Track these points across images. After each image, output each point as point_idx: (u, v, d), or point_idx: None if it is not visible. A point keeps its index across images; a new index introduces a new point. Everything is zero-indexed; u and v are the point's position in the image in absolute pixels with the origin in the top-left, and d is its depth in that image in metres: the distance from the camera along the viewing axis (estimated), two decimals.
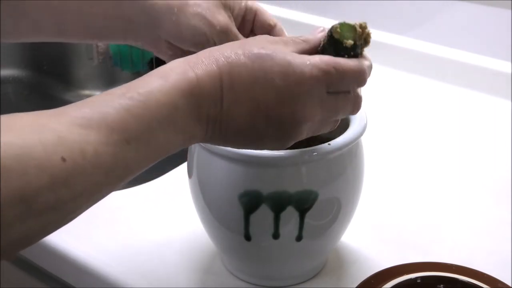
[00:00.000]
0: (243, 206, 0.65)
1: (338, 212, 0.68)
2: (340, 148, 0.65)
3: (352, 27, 0.58)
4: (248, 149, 0.61)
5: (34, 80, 1.35)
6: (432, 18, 1.19)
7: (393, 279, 0.70)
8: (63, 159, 0.45)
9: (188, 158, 0.71)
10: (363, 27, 0.59)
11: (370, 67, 0.62)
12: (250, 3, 0.71)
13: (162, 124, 0.50)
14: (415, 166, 0.94)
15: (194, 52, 0.56)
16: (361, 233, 0.79)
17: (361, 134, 0.67)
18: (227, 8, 0.68)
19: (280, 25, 0.72)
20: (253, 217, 0.65)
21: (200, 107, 0.52)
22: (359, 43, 0.59)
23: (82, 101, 0.50)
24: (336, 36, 0.58)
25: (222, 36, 0.65)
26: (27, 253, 0.84)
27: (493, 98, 1.09)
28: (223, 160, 0.65)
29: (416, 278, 0.70)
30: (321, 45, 0.59)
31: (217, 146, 0.64)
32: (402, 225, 0.82)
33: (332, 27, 0.58)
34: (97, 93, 1.07)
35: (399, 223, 0.83)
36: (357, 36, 0.59)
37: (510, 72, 1.09)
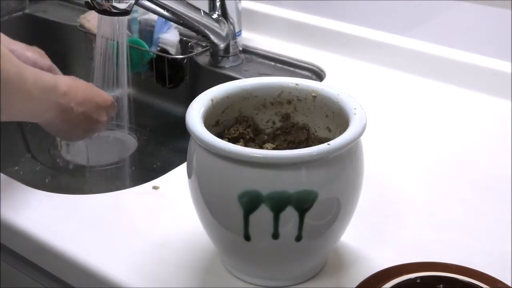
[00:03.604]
0: (243, 206, 0.65)
1: (337, 212, 0.68)
2: (339, 148, 0.65)
3: None
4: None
5: None
6: (432, 18, 1.19)
7: (392, 279, 0.70)
8: None
9: (187, 158, 0.71)
10: None
11: None
12: None
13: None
14: (415, 166, 0.94)
15: None
16: (361, 233, 0.79)
17: (361, 134, 0.67)
18: None
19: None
20: (253, 217, 0.65)
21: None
22: None
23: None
24: None
25: None
26: (27, 253, 0.84)
27: (493, 98, 1.09)
28: (222, 160, 0.65)
29: (416, 278, 0.70)
30: None
31: (213, 145, 0.65)
32: (402, 225, 0.82)
33: None
34: None
35: (399, 223, 0.83)
36: None
37: (510, 72, 1.09)
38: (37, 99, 0.85)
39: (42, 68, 0.99)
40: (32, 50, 1.00)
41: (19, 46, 0.97)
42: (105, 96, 0.97)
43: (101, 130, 1.01)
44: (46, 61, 1.01)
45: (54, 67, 1.02)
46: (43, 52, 1.02)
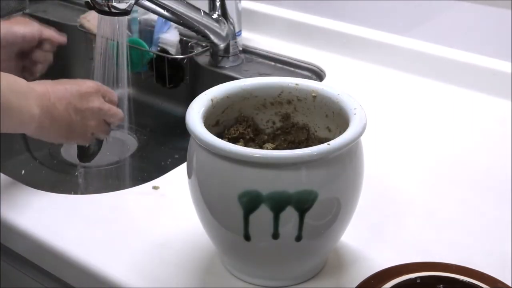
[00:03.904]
0: (243, 206, 0.65)
1: (337, 212, 0.68)
2: (339, 148, 0.65)
3: None
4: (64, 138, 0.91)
5: (33, 80, 1.35)
6: (432, 18, 1.19)
7: (392, 279, 0.70)
8: None
9: (187, 158, 0.71)
10: None
11: None
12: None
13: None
14: (415, 166, 0.94)
15: None
16: (361, 233, 0.79)
17: (361, 134, 0.67)
18: None
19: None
20: (253, 217, 0.65)
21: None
22: None
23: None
24: None
25: None
26: (27, 253, 0.84)
27: (493, 98, 1.09)
28: (222, 160, 0.65)
29: (416, 278, 0.70)
30: None
31: (213, 145, 0.65)
32: (402, 225, 0.82)
33: None
34: None
35: (399, 223, 0.83)
36: None
37: (510, 72, 1.09)
38: (16, 107, 0.80)
39: (33, 39, 1.00)
40: (17, 22, 0.99)
41: (5, 25, 0.96)
42: (88, 83, 0.92)
43: (104, 123, 0.93)
44: (33, 28, 1.00)
45: (43, 29, 1.00)
46: (28, 20, 1.01)
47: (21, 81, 0.83)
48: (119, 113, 0.95)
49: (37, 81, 0.88)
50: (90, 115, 0.90)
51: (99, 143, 0.97)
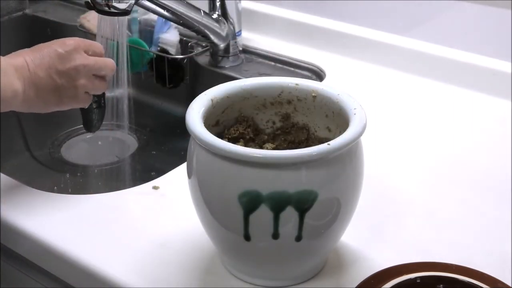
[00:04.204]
0: (243, 206, 0.65)
1: (337, 212, 0.68)
2: (339, 148, 0.65)
3: None
4: (55, 105, 0.85)
5: None
6: (432, 18, 1.19)
7: (392, 279, 0.70)
8: None
9: (187, 158, 0.71)
10: None
11: None
12: None
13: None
14: (415, 166, 0.94)
15: None
16: (361, 233, 0.79)
17: (361, 134, 0.67)
18: None
19: None
20: (253, 217, 0.65)
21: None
22: None
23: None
24: None
25: None
26: (27, 253, 0.84)
27: (493, 98, 1.09)
28: (222, 160, 0.65)
29: (416, 278, 0.70)
30: None
31: (213, 145, 0.65)
32: (402, 225, 0.82)
33: None
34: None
35: (399, 223, 0.83)
36: None
37: (510, 72, 1.09)
38: None
39: None
40: None
41: None
42: (66, 41, 0.86)
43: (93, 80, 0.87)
44: None
45: None
46: None
47: None
48: (109, 63, 0.88)
49: (12, 53, 0.83)
50: (75, 74, 0.84)
51: (101, 108, 0.92)
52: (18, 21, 1.43)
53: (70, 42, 0.85)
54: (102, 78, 0.88)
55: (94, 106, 0.91)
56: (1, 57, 0.80)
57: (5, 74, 0.78)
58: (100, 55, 0.88)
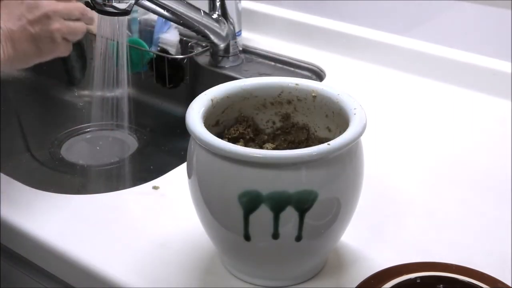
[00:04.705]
0: (243, 206, 0.65)
1: (337, 212, 0.68)
2: (339, 148, 0.65)
3: None
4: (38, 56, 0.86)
5: (34, 80, 1.36)
6: (432, 18, 1.19)
7: (392, 279, 0.70)
8: None
9: (187, 158, 0.71)
10: None
11: None
12: None
13: None
14: (415, 166, 0.94)
15: None
16: (361, 233, 0.79)
17: (361, 134, 0.67)
18: None
19: None
20: (253, 217, 0.65)
21: None
22: None
23: None
24: None
25: None
26: (27, 253, 0.84)
27: (493, 98, 1.09)
28: (222, 160, 0.65)
29: (416, 278, 0.70)
30: None
31: (213, 145, 0.65)
32: (402, 225, 0.82)
33: None
34: (97, 93, 1.07)
35: (399, 223, 0.83)
36: None
37: (510, 72, 1.09)
38: None
39: None
40: None
41: None
42: None
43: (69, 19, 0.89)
44: None
45: None
46: None
47: None
48: (78, 5, 0.90)
49: None
50: (47, 20, 0.85)
51: (82, 58, 0.93)
52: None
53: None
54: (77, 21, 0.89)
55: (75, 55, 0.91)
56: None
57: None
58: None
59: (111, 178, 1.18)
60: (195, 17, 1.13)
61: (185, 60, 1.24)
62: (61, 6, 0.87)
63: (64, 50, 0.89)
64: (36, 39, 0.85)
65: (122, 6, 0.98)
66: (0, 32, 0.82)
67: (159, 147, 1.26)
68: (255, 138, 0.78)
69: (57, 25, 0.86)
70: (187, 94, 1.25)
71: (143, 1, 1.04)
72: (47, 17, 0.85)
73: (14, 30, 0.83)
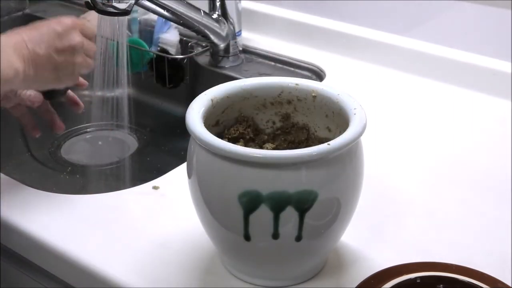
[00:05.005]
0: (243, 206, 0.65)
1: (337, 212, 0.68)
2: (339, 148, 0.65)
3: None
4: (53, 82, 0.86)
5: None
6: (432, 18, 1.19)
7: (392, 279, 0.70)
8: None
9: (187, 158, 0.71)
10: None
11: None
12: None
13: None
14: (415, 166, 0.94)
15: None
16: (361, 233, 0.79)
17: (361, 134, 0.67)
18: None
19: None
20: (253, 217, 0.65)
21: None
22: None
23: None
24: None
25: None
26: (27, 253, 0.84)
27: (493, 98, 1.09)
28: (222, 160, 0.65)
29: (416, 278, 0.70)
30: None
31: (213, 145, 0.65)
32: (402, 225, 0.82)
33: None
34: (97, 93, 1.07)
35: (399, 223, 0.83)
36: None
37: (510, 72, 1.09)
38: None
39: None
40: None
41: None
42: (64, 20, 0.87)
43: (85, 57, 0.90)
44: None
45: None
46: None
47: None
48: (93, 45, 0.92)
49: (9, 32, 0.83)
50: (73, 52, 0.87)
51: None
52: (18, 21, 1.43)
53: (68, 21, 0.87)
54: (90, 57, 0.90)
55: None
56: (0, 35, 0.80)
57: (5, 53, 0.79)
58: (90, 37, 0.90)
59: (111, 178, 1.18)
60: (195, 17, 1.13)
61: (185, 60, 1.24)
62: (86, 42, 0.89)
63: (73, 81, 0.91)
64: (58, 68, 0.85)
65: (122, 6, 0.98)
66: (26, 51, 0.82)
67: (159, 147, 1.26)
68: (255, 138, 0.78)
69: (80, 59, 0.87)
70: (187, 94, 1.25)
71: (143, 1, 1.04)
72: (74, 49, 0.86)
73: (40, 54, 0.83)
